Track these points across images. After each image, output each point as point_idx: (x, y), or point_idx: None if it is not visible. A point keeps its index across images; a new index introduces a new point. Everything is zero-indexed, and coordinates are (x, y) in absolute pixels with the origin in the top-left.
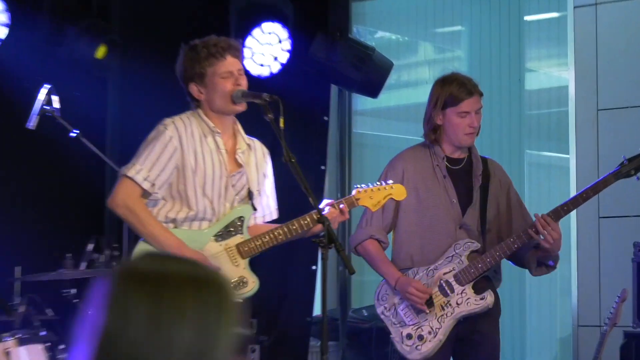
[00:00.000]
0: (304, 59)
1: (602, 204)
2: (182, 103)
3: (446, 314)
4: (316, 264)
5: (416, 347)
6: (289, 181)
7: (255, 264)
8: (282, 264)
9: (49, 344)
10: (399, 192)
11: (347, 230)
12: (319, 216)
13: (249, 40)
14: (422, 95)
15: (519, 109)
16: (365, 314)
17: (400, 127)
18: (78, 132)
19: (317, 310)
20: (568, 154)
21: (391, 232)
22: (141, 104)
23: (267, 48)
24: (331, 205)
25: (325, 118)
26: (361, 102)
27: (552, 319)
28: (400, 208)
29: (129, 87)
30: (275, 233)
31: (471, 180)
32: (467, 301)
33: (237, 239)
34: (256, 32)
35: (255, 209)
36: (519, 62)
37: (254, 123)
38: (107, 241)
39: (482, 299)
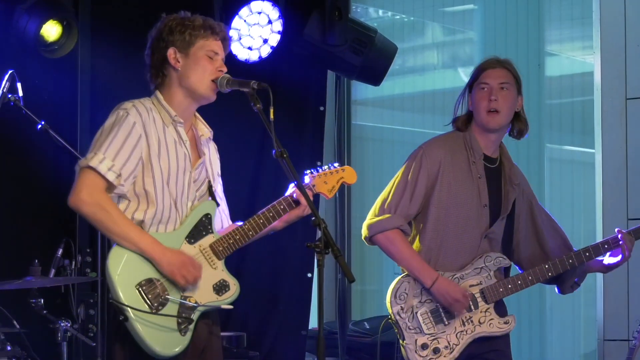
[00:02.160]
0: (297, 41)
1: (631, 205)
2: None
3: (466, 331)
4: (312, 272)
5: (430, 359)
6: (281, 179)
7: (245, 272)
8: (274, 271)
9: (15, 359)
10: (349, 174)
11: (347, 233)
12: (314, 218)
13: (235, 21)
14: (429, 82)
15: (538, 97)
16: (367, 327)
17: (404, 118)
18: (43, 123)
19: (313, 323)
20: (593, 148)
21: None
22: (116, 91)
23: (256, 29)
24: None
25: (322, 108)
26: (361, 91)
27: (576, 333)
28: (429, 202)
29: (101, 73)
30: (245, 229)
31: (501, 184)
32: (490, 322)
33: (209, 238)
34: (243, 11)
35: (218, 204)
36: (539, 46)
37: (240, 114)
38: (79, 245)
39: (506, 323)
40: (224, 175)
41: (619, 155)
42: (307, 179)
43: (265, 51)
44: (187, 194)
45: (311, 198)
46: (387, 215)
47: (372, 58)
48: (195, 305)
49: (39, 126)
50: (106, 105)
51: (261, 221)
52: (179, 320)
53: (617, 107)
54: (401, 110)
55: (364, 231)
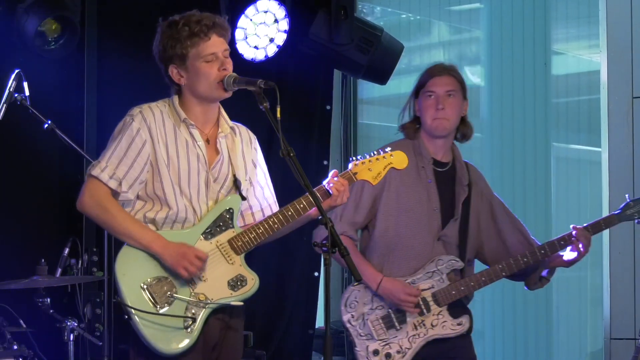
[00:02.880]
0: (304, 40)
1: None
2: (167, 86)
3: (418, 334)
4: (318, 270)
5: None
6: (288, 178)
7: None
8: (281, 270)
9: (22, 359)
10: (399, 159)
11: None
12: (322, 216)
13: (241, 20)
14: None
15: (544, 96)
16: None
17: None
18: (50, 122)
19: (319, 322)
20: (599, 147)
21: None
22: (123, 90)
23: (262, 29)
24: (333, 180)
25: (328, 107)
26: (368, 90)
27: (582, 331)
28: (378, 209)
29: (108, 72)
30: (270, 222)
31: (454, 187)
32: (444, 324)
33: (229, 233)
34: (250, 10)
35: (244, 198)
36: (545, 44)
37: (247, 113)
38: (86, 245)
39: (459, 324)
40: None
41: (625, 153)
42: (349, 166)
43: (272, 50)
44: (206, 193)
45: (349, 184)
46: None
47: (378, 57)
48: (201, 302)
49: (46, 125)
50: (112, 105)
51: (289, 213)
52: (186, 319)
53: (624, 105)
54: None
55: (313, 239)
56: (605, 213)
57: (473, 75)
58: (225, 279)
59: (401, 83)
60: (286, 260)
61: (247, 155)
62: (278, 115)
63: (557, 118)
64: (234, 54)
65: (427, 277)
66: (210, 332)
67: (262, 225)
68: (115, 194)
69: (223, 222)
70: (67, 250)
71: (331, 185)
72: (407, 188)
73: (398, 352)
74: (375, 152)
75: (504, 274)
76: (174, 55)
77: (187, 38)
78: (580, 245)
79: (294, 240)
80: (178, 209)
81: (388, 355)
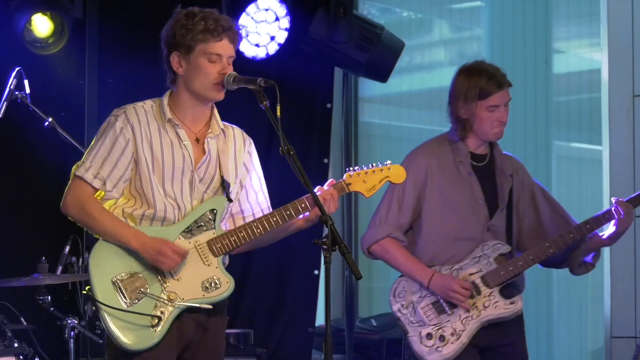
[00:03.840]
0: (305, 38)
1: None
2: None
3: (471, 317)
4: (319, 269)
5: (436, 348)
6: (288, 176)
7: (252, 269)
8: (281, 268)
9: (23, 356)
10: (397, 173)
11: (354, 230)
12: (321, 215)
13: (242, 18)
14: (436, 79)
15: (545, 95)
16: (374, 324)
17: (412, 116)
18: (51, 120)
19: (320, 320)
20: (600, 145)
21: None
22: (123, 87)
23: (263, 26)
24: (322, 189)
25: (329, 105)
26: (368, 88)
27: (583, 330)
28: (422, 209)
29: (109, 69)
30: (253, 226)
31: (495, 178)
32: (496, 305)
33: (209, 234)
34: (251, 8)
35: (230, 200)
36: (546, 42)
37: (247, 111)
38: (86, 242)
39: (512, 303)
40: None
41: (626, 152)
42: (344, 176)
43: (273, 48)
44: (190, 194)
45: (340, 195)
46: (377, 227)
47: (378, 55)
48: (170, 302)
49: (46, 123)
50: (113, 102)
51: (274, 219)
52: (152, 317)
53: (625, 104)
54: (408, 108)
55: (361, 246)
56: None
57: None
58: (199, 280)
59: (402, 81)
60: (286, 258)
61: (239, 159)
62: (278, 113)
63: (558, 116)
64: (235, 52)
65: (474, 262)
66: (185, 330)
67: (244, 229)
68: (99, 193)
69: (204, 222)
70: (67, 248)
71: (319, 193)
72: (449, 183)
73: (452, 334)
74: (372, 165)
75: (551, 250)
76: (182, 43)
77: (200, 32)
78: (622, 213)
79: (294, 238)
80: (157, 208)
81: (442, 337)
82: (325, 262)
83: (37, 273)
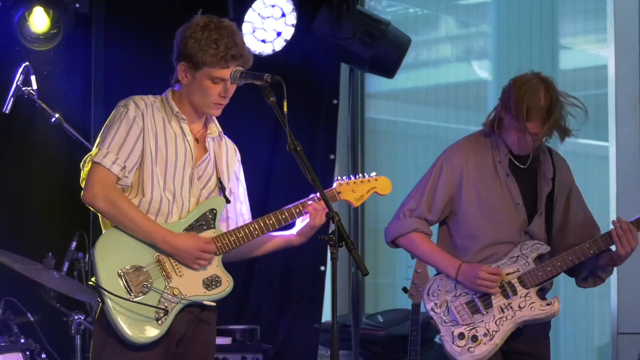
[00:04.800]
0: (309, 35)
1: None
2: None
3: (506, 317)
4: (325, 265)
5: (468, 348)
6: (294, 172)
7: (258, 266)
8: (287, 264)
9: (29, 352)
10: (383, 185)
11: (360, 227)
12: (327, 212)
13: (249, 14)
14: (443, 75)
15: None
16: (381, 320)
17: (418, 112)
18: (57, 116)
19: (326, 316)
20: (607, 141)
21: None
22: (129, 84)
23: (270, 22)
24: (313, 199)
25: (335, 101)
26: (375, 84)
27: (589, 326)
28: (457, 209)
29: (115, 66)
30: (251, 227)
31: (536, 181)
32: (532, 306)
33: (209, 233)
34: (257, 4)
35: (228, 202)
36: (552, 39)
37: (253, 107)
38: (93, 238)
39: (548, 304)
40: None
41: (633, 148)
42: (334, 185)
43: (279, 44)
44: (190, 189)
45: (331, 202)
46: (403, 220)
47: (382, 50)
48: (175, 297)
49: (53, 119)
50: (119, 98)
51: (271, 222)
52: (156, 310)
53: (631, 100)
54: (415, 104)
55: (385, 236)
56: (613, 208)
57: (480, 70)
58: (200, 277)
59: (408, 77)
60: (292, 255)
61: (231, 165)
62: (285, 109)
63: None
64: None
65: (511, 262)
66: (176, 326)
67: (243, 229)
68: (116, 180)
69: (205, 221)
70: (74, 244)
71: (311, 203)
72: (486, 184)
73: (485, 334)
74: (360, 175)
75: (591, 252)
76: (190, 58)
77: (210, 56)
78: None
79: None
80: (152, 199)
81: (474, 338)
82: (331, 258)
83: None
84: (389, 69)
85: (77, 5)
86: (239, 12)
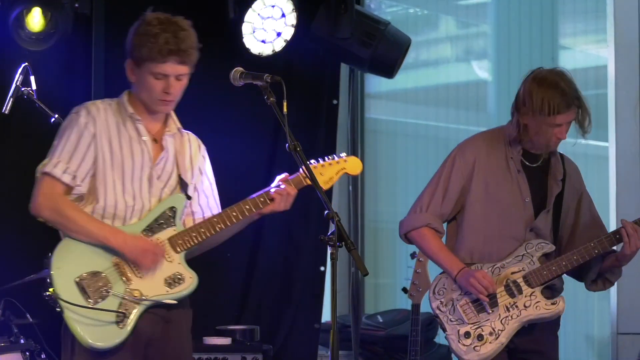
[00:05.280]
0: (310, 35)
1: None
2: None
3: (511, 316)
4: (325, 265)
5: (474, 347)
6: (294, 172)
7: (257, 265)
8: (287, 264)
9: (29, 352)
10: (353, 165)
11: (360, 227)
12: (327, 212)
13: (249, 14)
14: (443, 75)
15: None
16: (381, 321)
17: (418, 112)
18: (57, 117)
19: (326, 316)
20: (607, 141)
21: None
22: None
23: (270, 23)
24: (284, 181)
25: (335, 101)
26: (375, 84)
27: (589, 326)
28: (466, 200)
29: (115, 66)
30: (213, 221)
31: (547, 181)
32: (537, 305)
33: (169, 232)
34: (257, 4)
35: (189, 198)
36: (552, 39)
37: (253, 107)
38: None
39: (553, 304)
40: (238, 168)
41: (632, 148)
42: (300, 170)
43: (279, 44)
44: (149, 190)
45: (299, 187)
46: (418, 214)
47: (381, 50)
48: (136, 299)
49: (53, 119)
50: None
51: (234, 214)
52: (117, 314)
53: (631, 100)
54: (415, 104)
55: (399, 229)
56: (613, 208)
57: (480, 70)
58: (162, 276)
59: (408, 77)
60: (292, 255)
61: (194, 161)
62: (285, 109)
63: None
64: (242, 48)
65: (516, 260)
66: (141, 328)
67: (204, 225)
68: (68, 189)
69: (165, 219)
70: None
71: (272, 191)
72: (496, 178)
73: (490, 333)
74: (329, 157)
75: (595, 251)
76: (134, 54)
77: (148, 51)
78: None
79: (300, 234)
80: (106, 204)
81: (480, 337)
82: (331, 259)
83: (44, 269)
84: (388, 69)
85: (77, 5)
86: (239, 12)
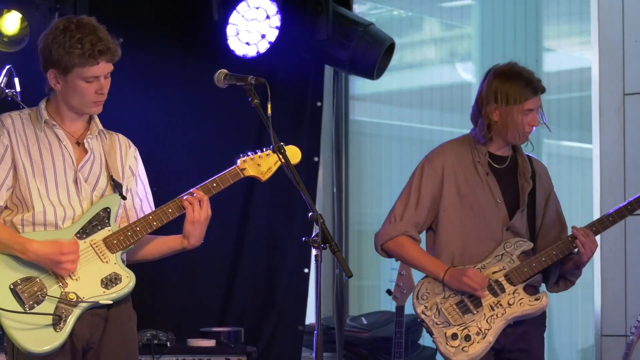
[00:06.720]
0: (295, 37)
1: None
2: (161, 82)
3: (496, 315)
4: (309, 267)
5: (462, 348)
6: (278, 174)
7: (242, 267)
8: (271, 266)
9: None
10: (292, 154)
11: (344, 229)
12: (311, 214)
13: (233, 16)
14: (427, 77)
15: None
16: (365, 322)
17: (402, 114)
18: None
19: (310, 318)
20: (591, 143)
21: (425, 233)
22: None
23: (254, 25)
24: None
25: (319, 103)
26: (359, 86)
27: (573, 328)
28: (440, 207)
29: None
30: (149, 218)
31: (517, 180)
32: (520, 302)
33: (104, 232)
34: (241, 6)
35: (124, 198)
36: (536, 41)
37: (237, 109)
38: None
39: (537, 299)
40: (221, 169)
41: (616, 150)
42: (237, 162)
43: (263, 47)
44: (77, 193)
45: (234, 180)
46: (393, 223)
47: (360, 51)
48: (72, 302)
49: None
50: (109, 102)
51: (170, 210)
52: (53, 317)
53: (615, 102)
54: (399, 106)
55: (375, 242)
56: (597, 210)
57: (464, 72)
58: (98, 278)
59: (392, 79)
60: (276, 257)
61: (125, 162)
62: (269, 111)
63: (548, 115)
64: (226, 50)
65: (496, 260)
66: (79, 331)
67: (140, 223)
68: None
69: (99, 221)
70: None
71: (187, 197)
72: (466, 183)
73: (477, 333)
74: (266, 148)
75: (573, 245)
76: (58, 63)
77: (77, 57)
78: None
79: (284, 236)
80: (35, 211)
81: (467, 337)
82: (315, 261)
83: None
84: (369, 70)
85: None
86: (223, 14)
